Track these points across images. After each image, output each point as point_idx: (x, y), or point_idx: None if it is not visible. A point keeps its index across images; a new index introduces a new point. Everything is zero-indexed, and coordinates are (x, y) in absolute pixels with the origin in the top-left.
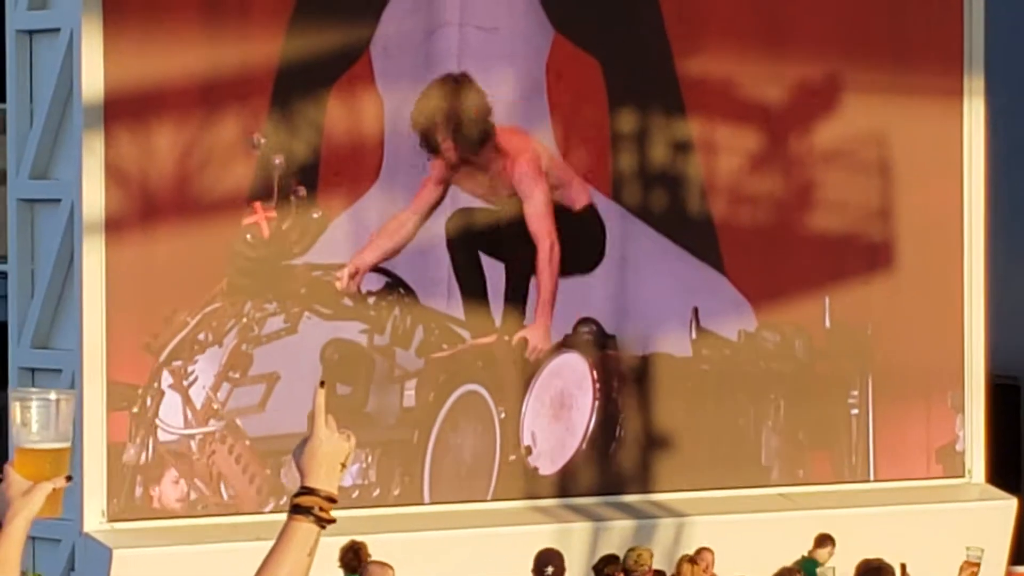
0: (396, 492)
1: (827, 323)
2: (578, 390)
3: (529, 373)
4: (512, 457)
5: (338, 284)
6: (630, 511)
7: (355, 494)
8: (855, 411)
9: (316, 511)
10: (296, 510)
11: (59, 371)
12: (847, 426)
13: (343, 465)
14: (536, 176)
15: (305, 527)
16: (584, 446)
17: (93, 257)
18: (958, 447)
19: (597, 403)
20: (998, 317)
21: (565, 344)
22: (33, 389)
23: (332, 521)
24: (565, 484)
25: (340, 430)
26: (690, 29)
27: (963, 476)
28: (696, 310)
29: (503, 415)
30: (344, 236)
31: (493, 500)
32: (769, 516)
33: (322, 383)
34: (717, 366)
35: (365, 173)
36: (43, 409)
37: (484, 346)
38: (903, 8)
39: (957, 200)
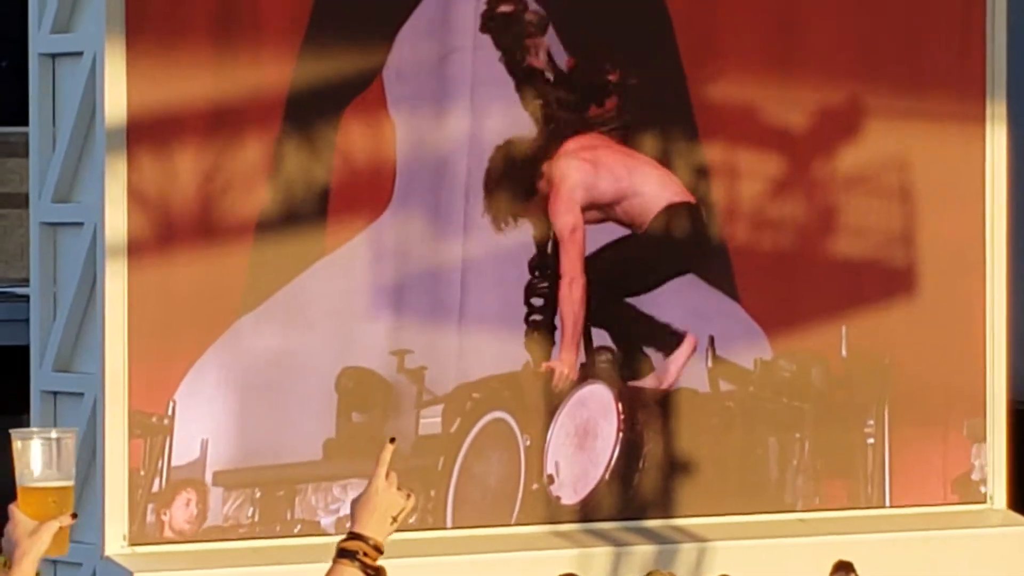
0: (412, 518)
1: (844, 352)
2: (603, 420)
3: (555, 403)
4: (535, 486)
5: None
6: (651, 536)
7: None
8: (871, 440)
9: (361, 555)
10: (342, 554)
11: (81, 395)
12: (863, 455)
13: (395, 519)
14: (564, 210)
15: (349, 571)
16: (607, 476)
17: (116, 281)
18: (974, 476)
19: (622, 434)
20: (1019, 343)
21: (588, 374)
22: (34, 428)
23: (376, 569)
24: (587, 513)
25: (400, 488)
26: (706, 55)
27: (984, 502)
28: (712, 338)
29: (528, 443)
30: (356, 261)
31: (516, 525)
32: (789, 541)
33: (392, 439)
34: (735, 395)
35: (377, 199)
36: (45, 447)
37: (511, 375)
38: (924, 33)
39: (979, 226)
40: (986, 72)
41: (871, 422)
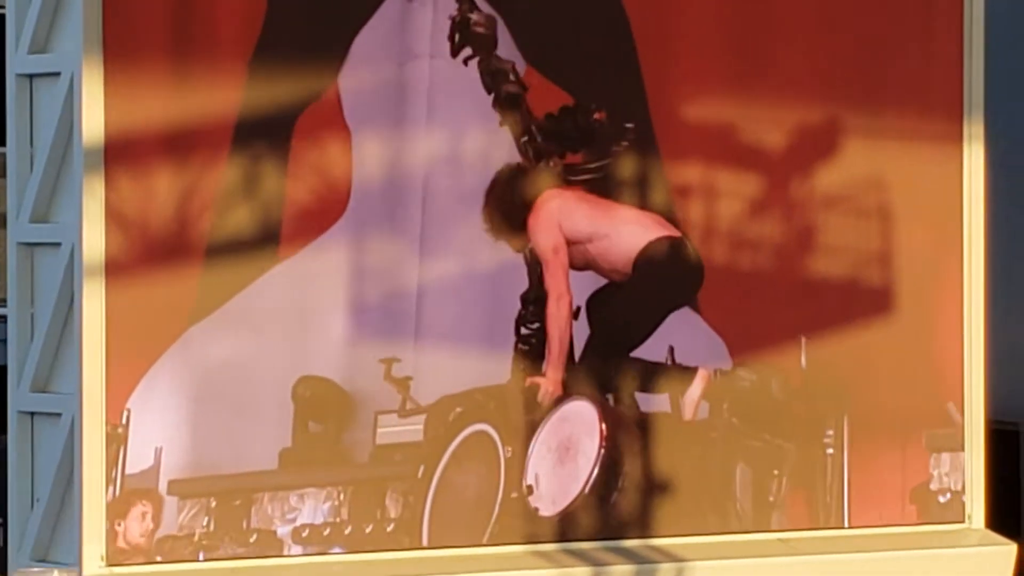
0: (368, 529)
1: (803, 363)
2: (586, 436)
3: (538, 418)
4: (514, 494)
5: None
6: (629, 555)
7: (327, 532)
8: (830, 451)
9: None
10: None
11: (58, 415)
12: (823, 467)
13: None
14: (545, 231)
15: None
16: (587, 490)
17: (93, 301)
18: (932, 486)
19: (603, 451)
20: (997, 363)
21: (573, 391)
22: (35, 568)
23: None
24: (566, 526)
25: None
26: (672, 75)
27: (963, 521)
28: (672, 349)
29: (509, 454)
30: (311, 270)
31: (490, 545)
32: (770, 562)
33: None
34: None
35: (330, 210)
36: None
37: (496, 388)
38: (901, 52)
39: (956, 245)
40: (963, 92)
41: (830, 432)
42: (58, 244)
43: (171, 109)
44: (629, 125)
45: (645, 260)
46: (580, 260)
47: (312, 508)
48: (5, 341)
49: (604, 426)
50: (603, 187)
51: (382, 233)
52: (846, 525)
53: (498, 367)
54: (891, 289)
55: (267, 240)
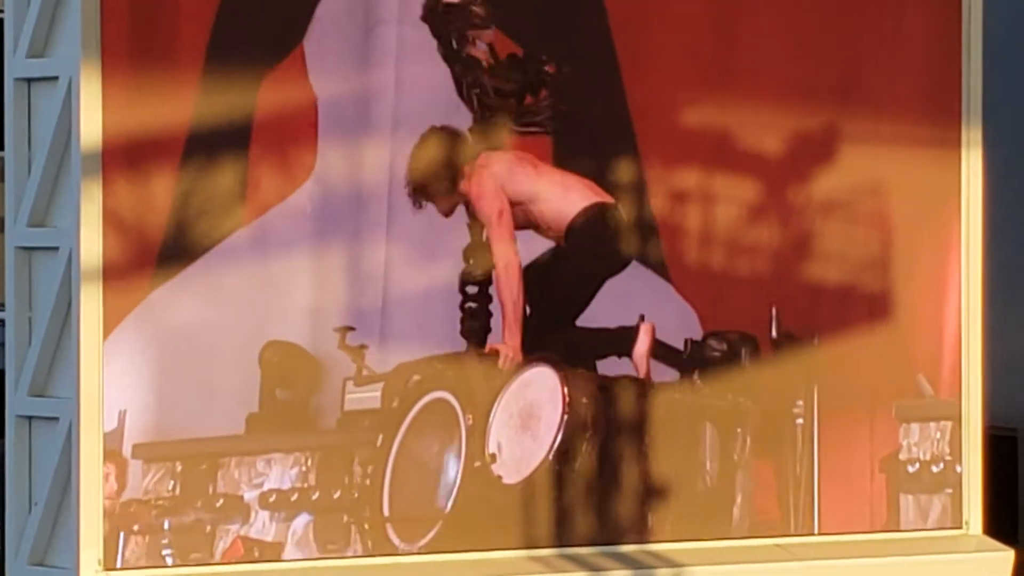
0: (336, 495)
1: (773, 334)
2: (548, 402)
3: (499, 384)
4: (477, 463)
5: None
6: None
7: (294, 497)
8: (800, 420)
9: None
10: None
11: (56, 419)
12: (792, 436)
13: None
14: (489, 195)
15: None
16: (550, 457)
17: (91, 305)
18: (901, 456)
19: (566, 416)
20: (995, 368)
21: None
22: None
23: None
24: (529, 493)
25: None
26: (652, 77)
27: (960, 527)
28: (642, 317)
29: (470, 422)
30: (276, 231)
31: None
32: (767, 567)
33: None
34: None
35: (295, 172)
36: None
37: (454, 355)
38: (899, 58)
39: (955, 251)
40: (962, 97)
41: (800, 403)
42: (56, 248)
43: (177, 115)
44: (565, 70)
45: (579, 226)
46: (522, 220)
47: (279, 473)
48: (3, 345)
49: (566, 390)
50: (557, 143)
51: (348, 197)
52: (815, 493)
53: (453, 333)
54: (870, 269)
55: (231, 203)
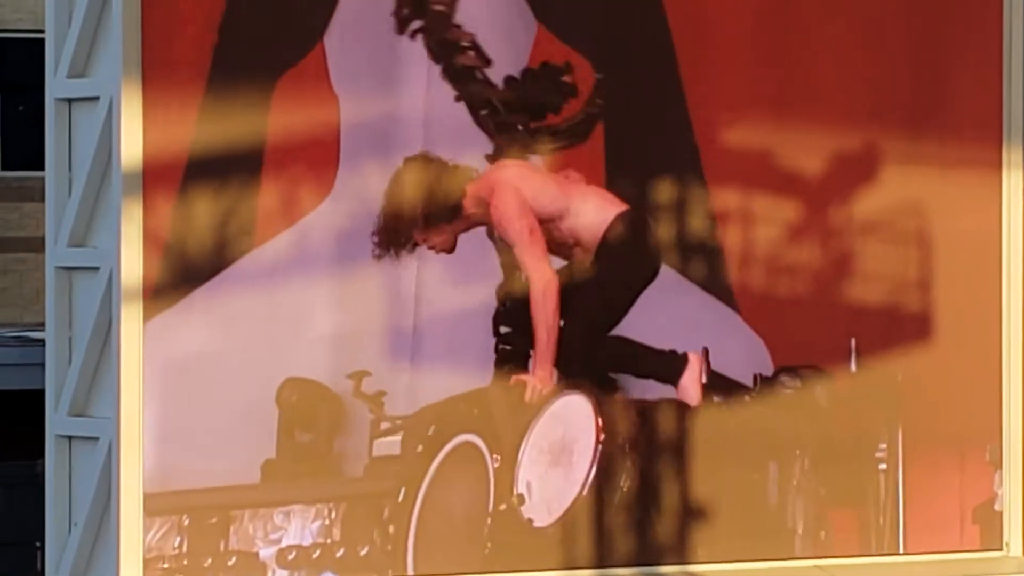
0: (363, 552)
1: (853, 368)
2: (580, 433)
3: (527, 420)
4: (503, 506)
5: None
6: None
7: (316, 554)
8: (883, 466)
9: None
10: None
11: (96, 439)
12: (875, 482)
13: None
14: (515, 215)
15: None
16: (584, 493)
17: (131, 325)
18: (997, 507)
19: (600, 447)
20: None
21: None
22: None
23: None
24: (562, 536)
25: None
26: (715, 96)
27: (1000, 549)
28: (706, 351)
29: (498, 463)
30: (290, 254)
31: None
32: None
33: None
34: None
35: (317, 180)
36: None
37: (478, 392)
38: (941, 79)
39: (995, 271)
40: (1003, 118)
41: (883, 446)
42: (96, 268)
43: (217, 135)
44: (599, 76)
45: (614, 236)
46: (547, 241)
47: (299, 528)
48: (43, 365)
49: (600, 420)
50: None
51: (373, 215)
52: (901, 550)
53: (479, 370)
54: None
55: (240, 223)
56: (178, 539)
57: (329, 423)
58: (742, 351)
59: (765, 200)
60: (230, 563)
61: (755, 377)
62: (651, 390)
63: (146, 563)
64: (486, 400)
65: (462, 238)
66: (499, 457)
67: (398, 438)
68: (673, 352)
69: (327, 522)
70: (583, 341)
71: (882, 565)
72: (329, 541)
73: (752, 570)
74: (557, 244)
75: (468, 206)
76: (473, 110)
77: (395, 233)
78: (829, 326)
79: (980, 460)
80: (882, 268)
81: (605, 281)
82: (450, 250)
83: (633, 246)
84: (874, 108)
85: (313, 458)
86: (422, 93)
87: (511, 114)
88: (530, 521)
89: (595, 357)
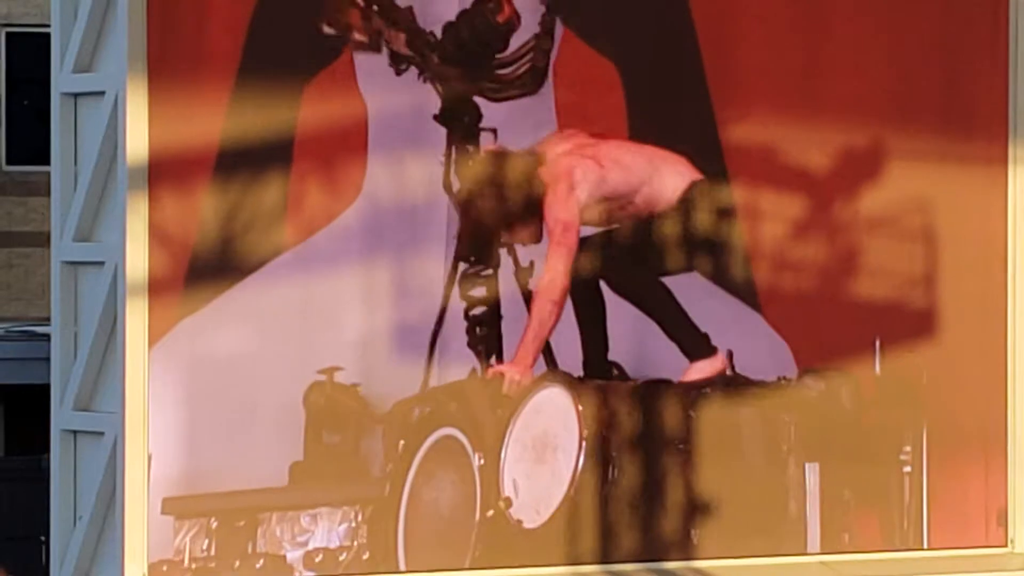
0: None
1: (877, 370)
2: (562, 428)
3: (507, 414)
4: (490, 512)
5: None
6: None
7: (343, 556)
8: (907, 468)
9: None
10: None
11: (101, 434)
12: (899, 485)
13: None
14: (560, 207)
15: None
16: (572, 492)
17: (136, 319)
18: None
19: (585, 442)
20: None
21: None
22: None
23: None
24: (552, 537)
25: None
26: (733, 95)
27: (1005, 545)
28: (731, 353)
29: (482, 461)
30: (320, 257)
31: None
32: None
33: None
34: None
35: (343, 186)
36: None
37: (456, 386)
38: (948, 76)
39: (1002, 267)
40: (1009, 114)
41: (908, 449)
42: (102, 263)
43: (224, 130)
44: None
45: (687, 200)
46: (617, 215)
47: (326, 530)
48: (48, 360)
49: (580, 409)
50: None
51: (402, 218)
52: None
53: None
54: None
55: (270, 224)
56: (206, 542)
57: (356, 425)
58: (765, 352)
59: (786, 199)
60: (258, 566)
61: (779, 379)
62: (645, 367)
63: (175, 565)
64: (463, 392)
65: None
66: (482, 456)
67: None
68: (707, 336)
69: (354, 524)
70: (626, 268)
71: (891, 561)
72: (356, 544)
73: (757, 566)
74: (633, 219)
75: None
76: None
77: (481, 235)
78: (854, 327)
79: (1003, 462)
80: (902, 268)
81: (666, 241)
82: (538, 240)
83: (699, 217)
84: (897, 107)
85: (340, 460)
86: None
87: (448, 64)
88: (520, 522)
89: (635, 288)
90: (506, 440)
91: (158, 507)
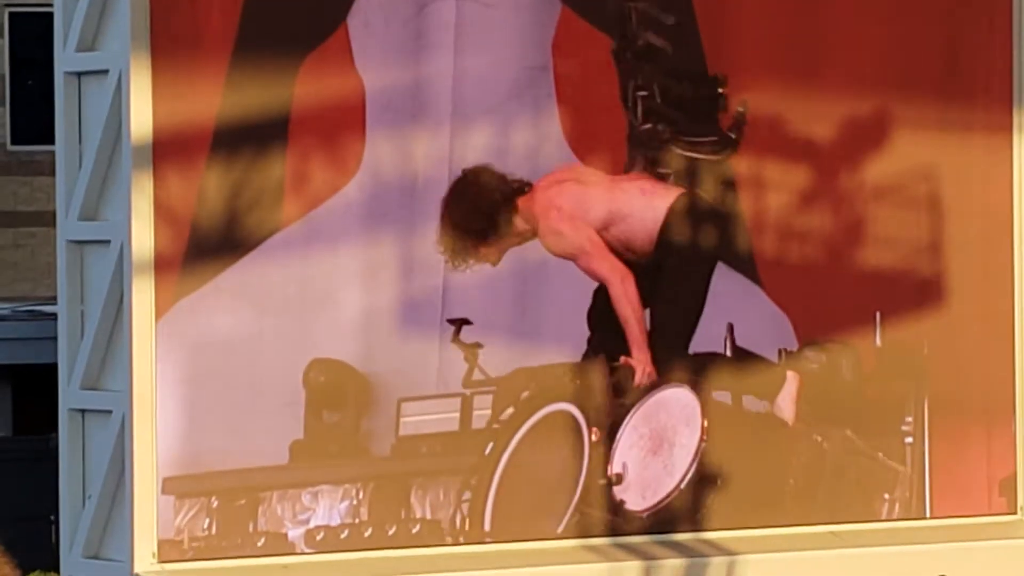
0: (391, 531)
1: (878, 342)
2: (685, 427)
3: (629, 401)
4: (601, 481)
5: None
6: (688, 550)
7: (344, 534)
8: (909, 439)
9: None
10: None
11: (109, 412)
12: (900, 457)
13: None
14: (570, 230)
15: None
16: (682, 487)
17: (143, 298)
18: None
19: (704, 445)
20: None
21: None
22: None
23: None
24: (655, 523)
25: None
26: (732, 64)
27: (1015, 513)
28: (731, 327)
29: (595, 438)
30: (319, 236)
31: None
32: (819, 555)
33: None
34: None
35: (340, 167)
36: None
37: (576, 365)
38: (952, 44)
39: (1007, 235)
40: (1013, 82)
41: (909, 419)
42: (107, 242)
43: (228, 107)
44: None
45: (672, 230)
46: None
47: (327, 508)
48: (55, 339)
49: (705, 420)
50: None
51: (403, 194)
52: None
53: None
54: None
55: (267, 203)
56: (207, 521)
57: (356, 403)
58: (765, 326)
59: (786, 170)
60: (259, 544)
61: (779, 352)
62: (748, 400)
63: (175, 545)
64: (584, 374)
65: None
66: (597, 432)
67: (439, 415)
68: (768, 362)
69: (355, 502)
70: (673, 350)
71: (897, 530)
72: (357, 521)
73: (766, 536)
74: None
75: (519, 222)
76: (627, 90)
77: (457, 245)
78: (854, 299)
79: (1007, 433)
80: (905, 236)
81: (674, 277)
82: (494, 263)
83: (693, 234)
84: (900, 75)
85: (340, 438)
86: (449, 70)
87: (667, 106)
88: (622, 502)
89: (687, 369)
90: (624, 425)
91: (160, 487)
